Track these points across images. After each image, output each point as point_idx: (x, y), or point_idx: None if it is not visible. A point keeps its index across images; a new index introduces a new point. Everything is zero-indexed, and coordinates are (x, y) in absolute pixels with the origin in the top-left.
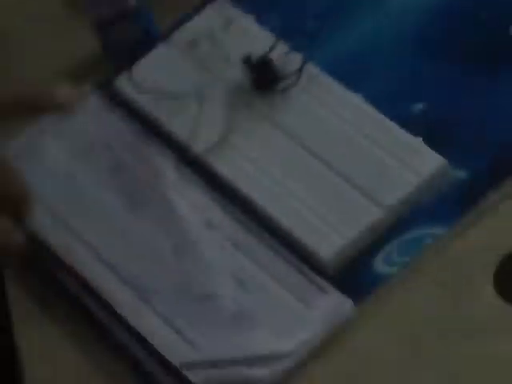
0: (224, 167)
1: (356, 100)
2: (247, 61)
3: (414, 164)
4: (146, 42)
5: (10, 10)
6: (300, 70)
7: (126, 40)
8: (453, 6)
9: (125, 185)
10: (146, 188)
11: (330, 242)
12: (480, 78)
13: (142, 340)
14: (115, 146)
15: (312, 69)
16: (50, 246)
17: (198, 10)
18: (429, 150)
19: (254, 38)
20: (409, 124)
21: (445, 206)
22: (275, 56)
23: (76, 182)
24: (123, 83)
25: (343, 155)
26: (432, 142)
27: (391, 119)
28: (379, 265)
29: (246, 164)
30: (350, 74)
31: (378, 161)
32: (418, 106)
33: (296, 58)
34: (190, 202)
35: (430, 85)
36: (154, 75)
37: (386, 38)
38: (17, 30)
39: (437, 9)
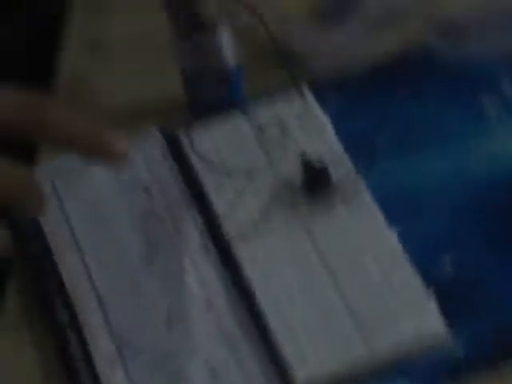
0: (243, 253)
1: (390, 236)
2: (304, 158)
3: (416, 319)
4: (226, 105)
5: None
6: (349, 186)
7: (209, 98)
8: None
9: (150, 233)
10: (167, 245)
11: (309, 364)
12: None
13: None
14: (154, 193)
15: (362, 188)
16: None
17: (281, 93)
18: (436, 312)
19: (321, 138)
20: (430, 273)
21: (430, 370)
22: (333, 163)
23: (105, 212)
24: (186, 136)
25: (354, 283)
26: (445, 297)
27: (415, 263)
28: None
29: (264, 258)
30: (396, 206)
31: (385, 301)
32: (446, 258)
33: (351, 173)
34: (201, 275)
35: (464, 241)
36: (216, 142)
37: (443, 186)
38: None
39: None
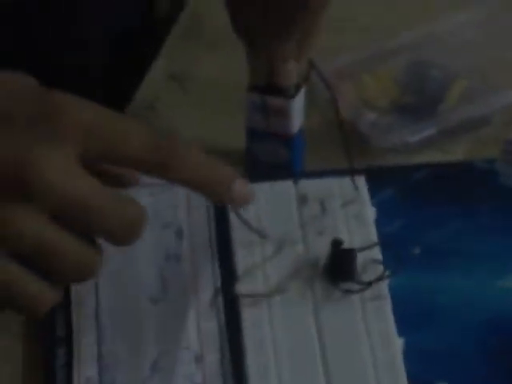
0: (248, 317)
1: (395, 344)
2: (335, 244)
3: None
4: (284, 169)
5: None
6: (371, 282)
7: (268, 160)
8: None
9: (167, 274)
10: (180, 290)
11: None
12: None
13: None
14: (184, 237)
15: (384, 289)
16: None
17: (335, 173)
18: None
19: (361, 229)
20: None
21: None
22: (364, 254)
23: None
24: None
25: (345, 381)
26: None
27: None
28: None
29: (266, 328)
30: (410, 316)
31: None
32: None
33: (379, 271)
34: (201, 328)
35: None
36: (258, 202)
37: (461, 308)
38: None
39: None
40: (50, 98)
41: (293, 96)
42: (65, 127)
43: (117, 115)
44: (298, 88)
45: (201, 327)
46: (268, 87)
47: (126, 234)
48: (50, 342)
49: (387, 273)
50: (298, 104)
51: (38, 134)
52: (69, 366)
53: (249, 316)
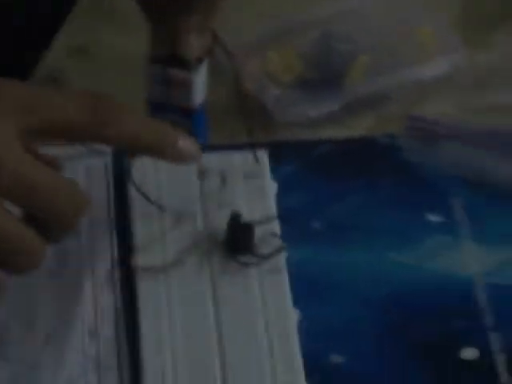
0: (144, 289)
1: (290, 316)
2: (233, 214)
3: None
4: None
5: None
6: (268, 256)
7: None
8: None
9: (65, 245)
10: (76, 262)
11: None
12: None
13: None
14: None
15: (282, 261)
16: None
17: (237, 146)
18: None
19: (261, 203)
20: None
21: None
22: (262, 228)
23: None
24: (130, 163)
25: (238, 349)
26: None
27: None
28: None
29: (162, 300)
30: (308, 289)
31: (262, 377)
32: (335, 354)
33: (276, 244)
34: (96, 302)
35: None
36: (157, 175)
37: (359, 283)
38: None
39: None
40: None
41: (195, 68)
42: (4, 105)
43: (51, 89)
44: (200, 61)
45: (97, 301)
46: (170, 59)
47: (73, 214)
48: None
49: (284, 246)
50: (200, 77)
51: None
52: None
53: (145, 289)
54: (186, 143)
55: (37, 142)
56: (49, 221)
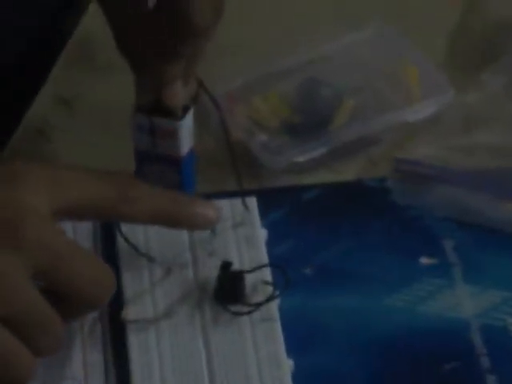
0: (135, 341)
1: (284, 366)
2: (224, 267)
3: None
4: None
5: None
6: (260, 304)
7: (158, 183)
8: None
9: None
10: None
11: None
12: None
13: None
14: None
15: (274, 310)
16: None
17: (226, 194)
18: None
19: (251, 251)
20: None
21: None
22: (254, 277)
23: None
24: None
25: None
26: None
27: None
28: None
29: (153, 352)
30: (300, 338)
31: None
32: None
33: (269, 293)
34: (85, 357)
35: None
36: (145, 226)
37: (351, 330)
38: None
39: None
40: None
41: (181, 117)
42: (36, 185)
43: (74, 168)
44: (186, 109)
45: (86, 356)
46: (155, 108)
47: (98, 294)
48: None
49: (276, 294)
50: (186, 125)
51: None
52: None
53: (136, 342)
54: (205, 211)
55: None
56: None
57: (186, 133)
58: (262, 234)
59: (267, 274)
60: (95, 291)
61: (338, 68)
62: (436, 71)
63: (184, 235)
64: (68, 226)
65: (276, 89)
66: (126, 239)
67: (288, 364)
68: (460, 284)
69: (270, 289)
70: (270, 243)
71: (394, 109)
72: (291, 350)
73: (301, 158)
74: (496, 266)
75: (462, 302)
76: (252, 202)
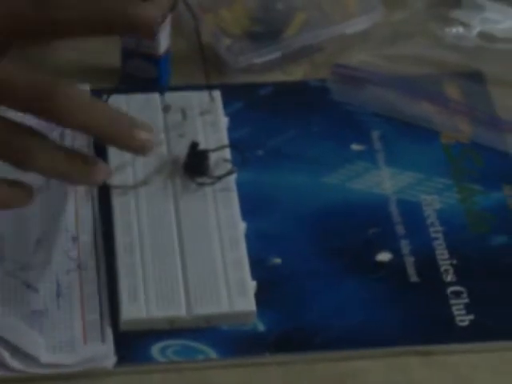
0: (118, 204)
1: (239, 226)
2: (193, 146)
3: (234, 297)
4: (152, 85)
5: None
6: (221, 177)
7: (140, 76)
8: None
9: None
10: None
11: (136, 306)
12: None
13: None
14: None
15: (232, 181)
16: None
17: (195, 87)
18: (252, 296)
19: (215, 133)
20: (260, 265)
21: (233, 339)
22: (216, 154)
23: None
24: (105, 97)
25: (196, 254)
26: (265, 287)
27: (251, 254)
28: (155, 351)
29: (133, 212)
30: (252, 204)
31: (215, 277)
32: (276, 258)
33: (228, 167)
34: (78, 214)
35: (294, 246)
36: (128, 108)
37: (294, 197)
38: None
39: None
40: None
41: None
42: None
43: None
44: (164, 16)
45: (78, 213)
46: None
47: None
48: None
49: (234, 169)
50: (164, 29)
51: None
52: None
53: (118, 204)
54: (143, 134)
55: None
56: None
57: (165, 35)
58: (224, 121)
59: (227, 153)
60: None
61: None
62: None
63: (160, 119)
64: None
65: (239, 2)
66: None
67: (242, 225)
68: (383, 167)
69: (229, 165)
70: (230, 129)
71: (335, 22)
72: (245, 215)
73: (258, 60)
74: (412, 152)
75: (384, 181)
76: (217, 94)
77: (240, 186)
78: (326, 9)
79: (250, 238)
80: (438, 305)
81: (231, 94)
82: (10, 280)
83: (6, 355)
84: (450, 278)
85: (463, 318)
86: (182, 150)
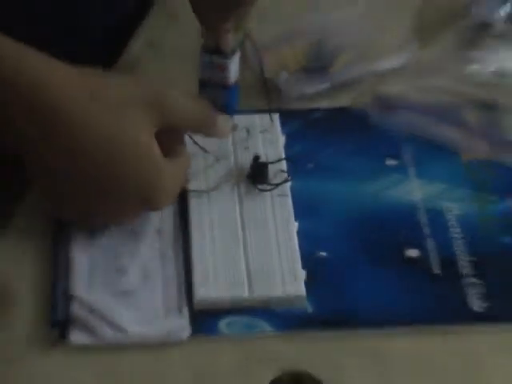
0: (194, 205)
1: (292, 225)
2: (255, 156)
3: (288, 283)
4: (224, 109)
5: None
6: (278, 184)
7: (213, 102)
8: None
9: None
10: None
11: (207, 287)
12: None
13: None
14: None
15: (287, 189)
16: None
17: (258, 111)
18: (302, 282)
19: (273, 149)
20: (309, 258)
21: (288, 318)
22: (274, 166)
23: None
24: None
25: (257, 246)
26: (313, 276)
27: (301, 248)
28: (222, 325)
29: (206, 212)
30: (304, 208)
31: (272, 266)
32: (323, 253)
33: (284, 177)
34: (161, 213)
35: (340, 245)
36: None
37: (340, 204)
38: None
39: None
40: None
41: (230, 57)
42: (137, 101)
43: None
44: (234, 52)
45: (162, 211)
46: (215, 50)
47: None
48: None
49: (288, 178)
50: (234, 63)
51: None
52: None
53: (194, 204)
54: (223, 124)
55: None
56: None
57: (234, 68)
58: (281, 139)
59: (283, 165)
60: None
61: (341, 30)
62: (407, 33)
63: (229, 137)
64: None
65: (296, 43)
66: (190, 136)
67: (294, 224)
68: (413, 179)
69: (284, 175)
70: (286, 146)
71: (374, 59)
72: (297, 216)
73: (310, 90)
74: (437, 167)
75: (413, 191)
76: (276, 117)
77: (293, 192)
78: (366, 48)
79: (300, 234)
80: (457, 293)
81: (288, 117)
82: (108, 265)
83: (101, 326)
84: (466, 271)
85: (479, 305)
86: (246, 161)
